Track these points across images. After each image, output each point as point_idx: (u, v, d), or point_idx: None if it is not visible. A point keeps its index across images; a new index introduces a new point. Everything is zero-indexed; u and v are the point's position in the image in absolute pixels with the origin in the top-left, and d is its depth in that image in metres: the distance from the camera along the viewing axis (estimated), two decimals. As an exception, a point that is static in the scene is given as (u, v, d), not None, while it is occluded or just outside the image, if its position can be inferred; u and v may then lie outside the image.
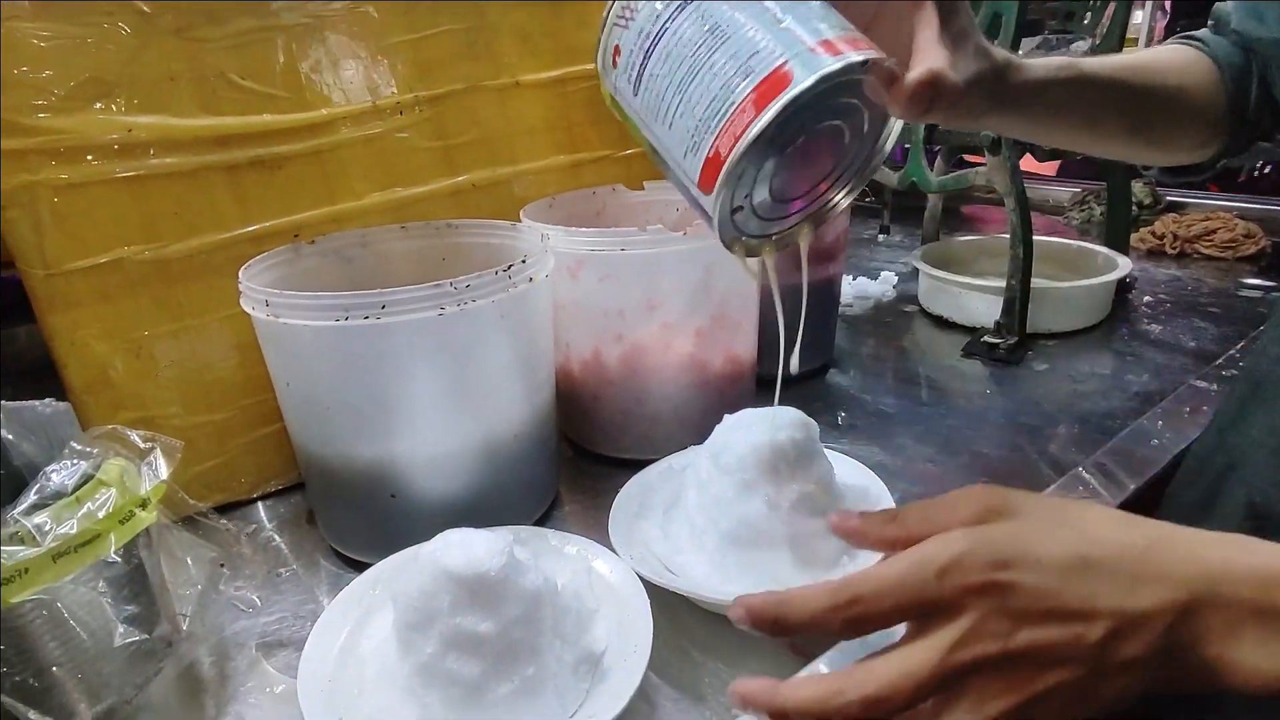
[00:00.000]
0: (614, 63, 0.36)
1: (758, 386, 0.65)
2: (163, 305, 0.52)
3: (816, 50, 0.30)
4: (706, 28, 0.32)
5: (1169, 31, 1.15)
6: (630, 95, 0.36)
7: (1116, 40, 0.87)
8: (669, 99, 0.33)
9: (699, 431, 0.51)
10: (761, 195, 0.35)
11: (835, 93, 0.32)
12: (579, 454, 0.63)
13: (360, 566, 0.50)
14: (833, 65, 0.30)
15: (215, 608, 0.44)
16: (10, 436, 0.37)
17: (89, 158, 0.47)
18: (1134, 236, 1.10)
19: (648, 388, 0.58)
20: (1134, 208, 1.14)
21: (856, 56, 0.30)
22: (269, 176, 0.54)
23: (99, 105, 0.47)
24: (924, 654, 0.25)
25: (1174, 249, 1.07)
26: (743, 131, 0.30)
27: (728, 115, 0.31)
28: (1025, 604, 0.25)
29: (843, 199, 0.39)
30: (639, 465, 0.56)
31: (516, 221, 0.57)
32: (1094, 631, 0.25)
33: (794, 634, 0.28)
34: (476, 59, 0.61)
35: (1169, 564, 0.26)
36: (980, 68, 0.35)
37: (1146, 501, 0.52)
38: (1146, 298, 0.91)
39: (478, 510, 0.49)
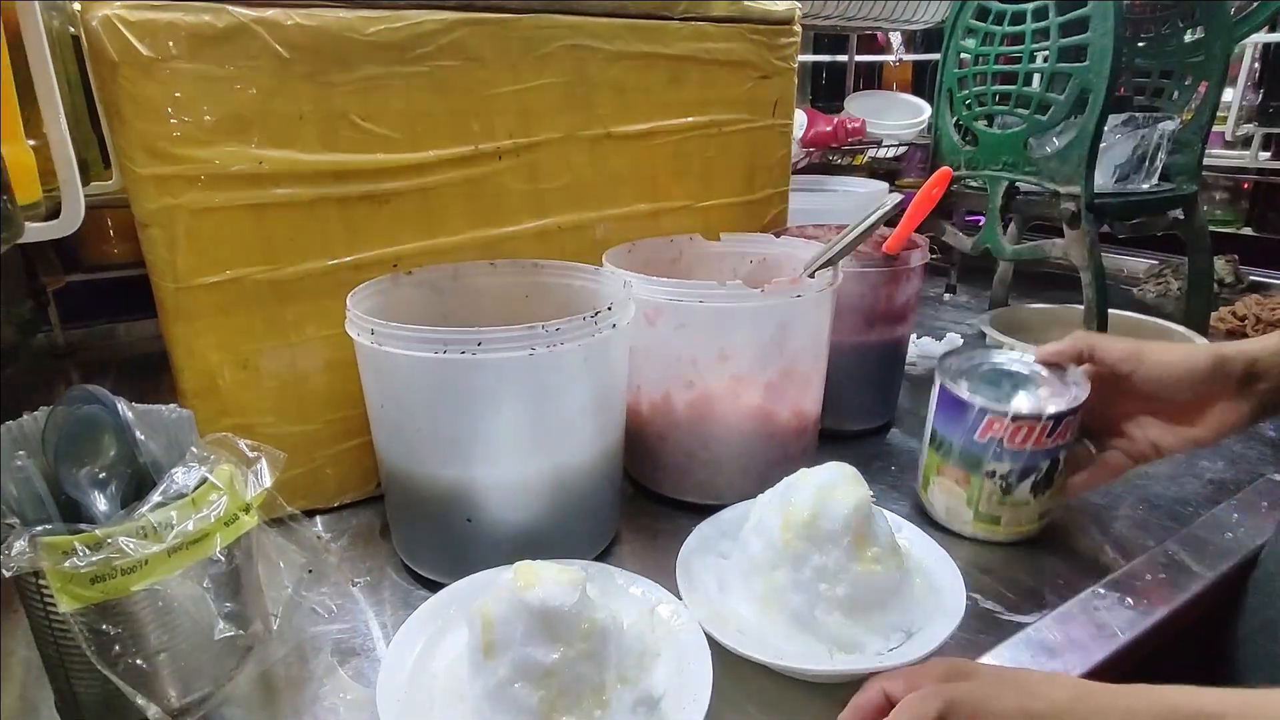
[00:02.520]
0: None
1: (820, 440, 0.66)
2: (271, 322, 0.56)
3: None
4: None
5: (1261, 111, 1.13)
6: None
7: (1206, 119, 0.87)
8: None
9: (761, 481, 0.52)
10: None
11: None
12: (640, 492, 0.65)
13: (427, 583, 0.53)
14: None
15: (300, 611, 0.46)
16: (142, 437, 0.40)
17: (222, 186, 0.52)
18: (1214, 315, 1.08)
19: (714, 434, 0.59)
20: (1215, 285, 1.11)
21: None
22: (376, 210, 0.58)
23: (236, 139, 0.52)
24: None
25: (1256, 331, 1.04)
26: None
27: None
28: None
29: None
30: (698, 509, 0.58)
31: (597, 264, 0.60)
32: None
33: None
34: (573, 110, 0.64)
35: (1087, 714, 0.34)
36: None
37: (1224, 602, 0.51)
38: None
39: (545, 540, 0.51)
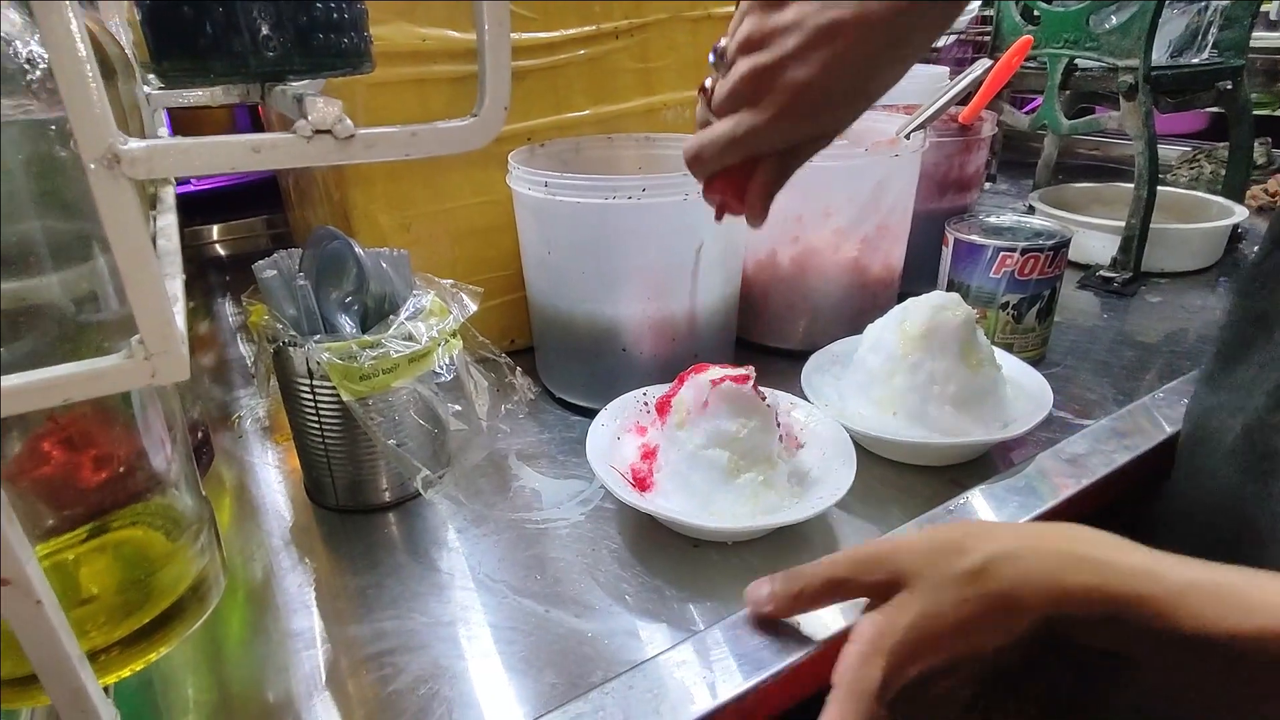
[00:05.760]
0: None
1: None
2: (429, 189, 0.63)
3: None
4: None
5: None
6: None
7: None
8: None
9: (851, 327, 0.61)
10: None
11: None
12: (742, 345, 0.74)
13: (579, 410, 0.62)
14: None
15: (493, 421, 0.56)
16: (385, 265, 0.48)
17: (394, 62, 0.58)
18: (1246, 194, 1.14)
19: (814, 285, 0.68)
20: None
21: None
22: (514, 86, 0.64)
23: (404, 17, 0.58)
24: None
25: (1286, 206, 1.10)
26: None
27: None
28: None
29: None
30: (794, 355, 0.66)
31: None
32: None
33: None
34: (679, -9, 0.70)
35: (1029, 598, 0.31)
36: None
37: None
38: (1256, 247, 0.96)
39: (680, 370, 0.60)
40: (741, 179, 0.40)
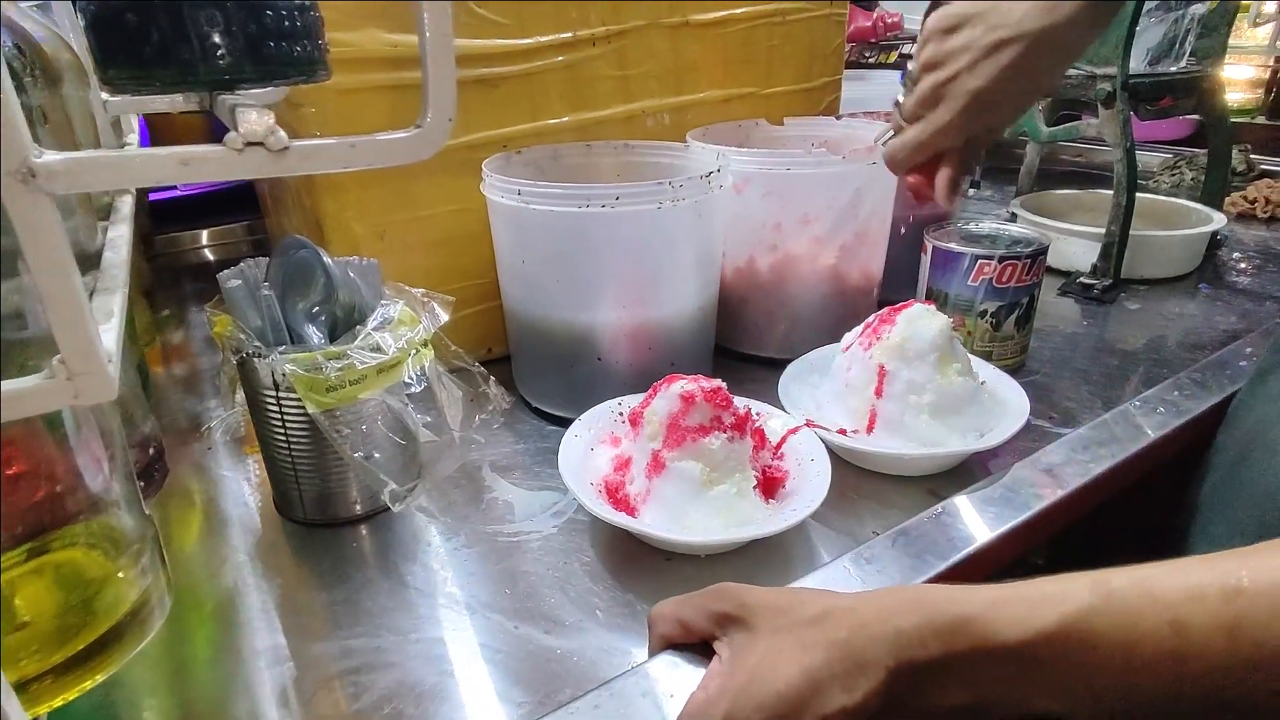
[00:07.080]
0: None
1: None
2: (401, 197, 0.63)
3: None
4: None
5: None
6: None
7: (1233, 3, 0.91)
8: None
9: (831, 335, 0.60)
10: None
11: None
12: (721, 352, 0.73)
13: (554, 419, 0.62)
14: None
15: (466, 433, 0.55)
16: (351, 276, 0.48)
17: (364, 68, 0.57)
18: (1225, 200, 1.14)
19: (792, 293, 0.67)
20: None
21: None
22: (488, 93, 0.64)
23: (375, 23, 0.57)
24: None
25: (1265, 213, 1.11)
26: None
27: None
28: None
29: None
30: (774, 363, 0.66)
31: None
32: None
33: None
34: (657, -2, 0.69)
35: (869, 649, 0.30)
36: None
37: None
38: (1235, 254, 0.97)
39: (656, 379, 0.59)
40: (932, 172, 0.52)
